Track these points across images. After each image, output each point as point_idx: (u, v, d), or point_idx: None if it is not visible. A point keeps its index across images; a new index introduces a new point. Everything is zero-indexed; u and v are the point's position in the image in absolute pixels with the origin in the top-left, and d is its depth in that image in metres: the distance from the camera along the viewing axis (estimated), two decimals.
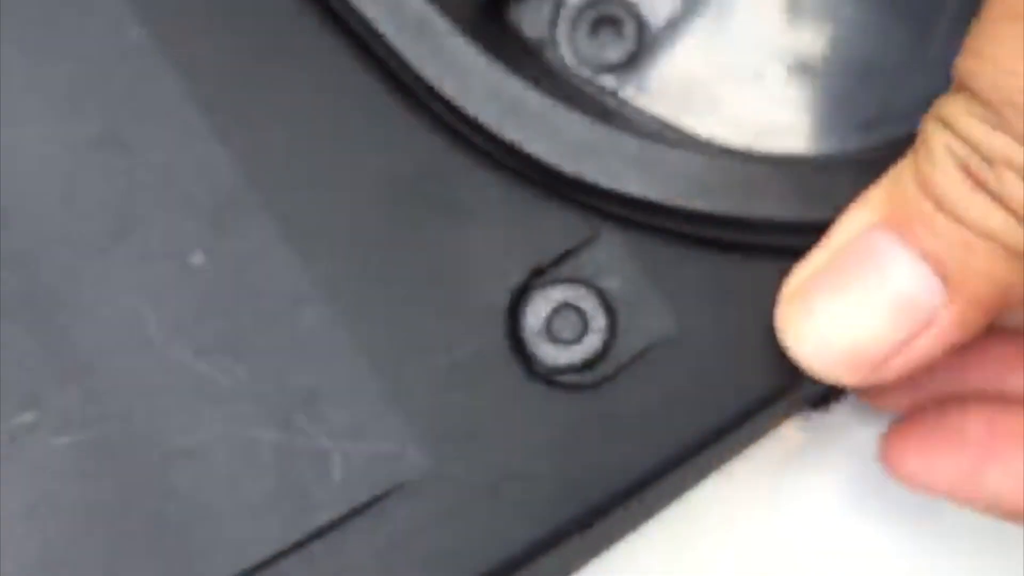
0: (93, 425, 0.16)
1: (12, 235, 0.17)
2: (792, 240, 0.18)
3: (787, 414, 0.22)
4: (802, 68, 0.22)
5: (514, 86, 0.18)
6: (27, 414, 0.16)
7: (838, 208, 0.18)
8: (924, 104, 0.17)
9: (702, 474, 0.21)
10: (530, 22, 0.22)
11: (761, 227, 0.19)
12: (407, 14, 0.18)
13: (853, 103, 0.22)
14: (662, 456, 0.18)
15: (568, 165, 0.19)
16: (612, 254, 0.19)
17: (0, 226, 0.17)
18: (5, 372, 0.17)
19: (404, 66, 0.18)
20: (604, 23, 0.22)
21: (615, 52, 0.22)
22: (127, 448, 0.17)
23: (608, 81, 0.22)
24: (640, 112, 0.22)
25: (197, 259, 0.17)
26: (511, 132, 0.19)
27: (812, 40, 0.22)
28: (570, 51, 0.22)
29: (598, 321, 0.18)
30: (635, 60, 0.22)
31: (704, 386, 0.18)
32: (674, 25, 0.22)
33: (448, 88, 0.18)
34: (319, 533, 0.17)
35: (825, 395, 0.22)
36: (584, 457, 0.18)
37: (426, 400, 0.18)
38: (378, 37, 0.18)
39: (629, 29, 0.22)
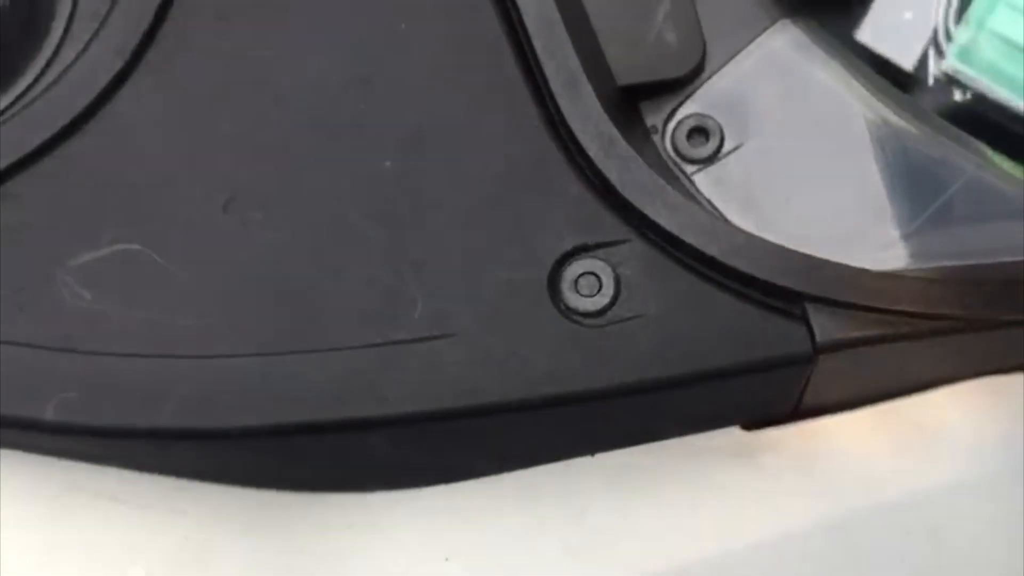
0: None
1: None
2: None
3: (721, 422, 0.31)
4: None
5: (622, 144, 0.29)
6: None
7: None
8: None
9: (656, 420, 0.30)
10: (651, 114, 0.33)
11: (739, 277, 0.28)
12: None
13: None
14: (628, 380, 0.28)
15: (631, 195, 0.29)
16: (633, 254, 0.29)
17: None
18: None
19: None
20: (698, 131, 0.33)
21: (700, 151, 0.32)
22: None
23: (689, 168, 0.32)
24: (697, 188, 0.32)
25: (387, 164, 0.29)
26: (607, 166, 0.29)
27: None
28: (670, 142, 0.33)
29: (608, 290, 0.28)
30: (712, 160, 0.33)
31: (663, 348, 0.28)
32: (743, 143, 0.32)
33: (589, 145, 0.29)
34: (398, 343, 0.27)
35: (764, 420, 0.31)
36: (583, 368, 0.28)
37: (485, 311, 0.28)
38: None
39: (714, 140, 0.33)
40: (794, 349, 0.28)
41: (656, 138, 0.33)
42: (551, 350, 0.28)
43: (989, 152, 0.36)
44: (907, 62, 0.50)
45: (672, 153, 0.32)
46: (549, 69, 0.30)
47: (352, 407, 0.27)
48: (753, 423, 0.32)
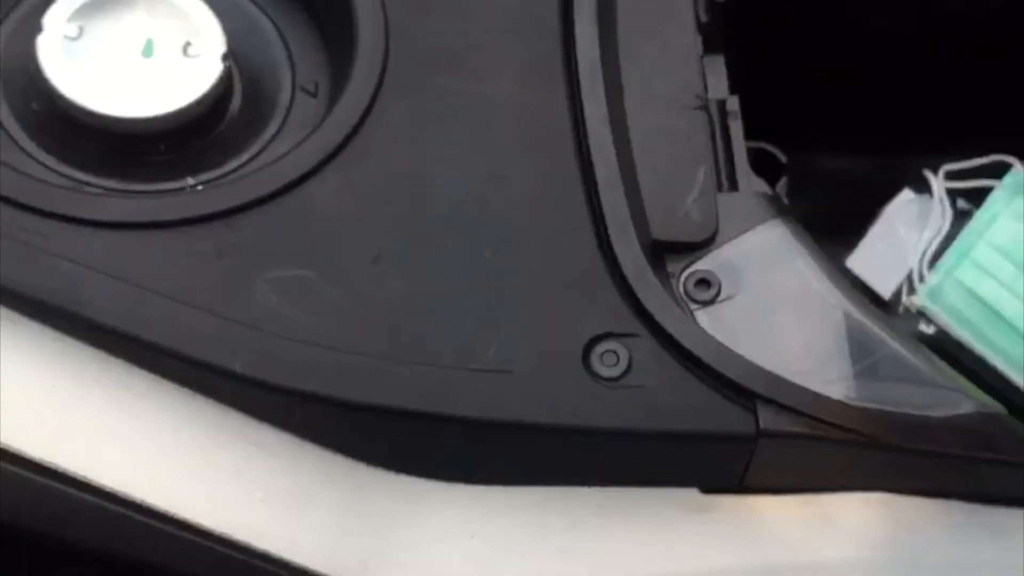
0: None
1: None
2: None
3: (686, 480, 0.43)
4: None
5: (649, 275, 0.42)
6: None
7: None
8: None
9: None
10: (672, 263, 0.46)
11: (713, 373, 0.41)
12: None
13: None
14: (625, 426, 0.40)
15: (649, 307, 0.42)
16: (643, 345, 0.41)
17: None
18: None
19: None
20: (703, 281, 0.46)
21: (702, 296, 0.46)
22: None
23: (693, 306, 0.46)
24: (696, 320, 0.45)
25: None
26: (636, 287, 0.42)
27: None
28: (682, 285, 0.46)
29: (622, 365, 0.41)
30: (711, 303, 0.46)
31: (652, 410, 0.40)
32: (735, 296, 0.46)
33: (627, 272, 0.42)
34: (474, 369, 0.40)
35: (717, 488, 0.43)
36: (596, 412, 0.40)
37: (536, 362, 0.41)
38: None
39: (714, 289, 0.46)
40: (742, 430, 0.40)
41: (673, 280, 0.46)
42: (577, 396, 0.40)
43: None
44: (885, 292, 0.64)
45: (682, 293, 0.46)
46: (608, 215, 0.43)
47: (436, 403, 0.39)
48: (709, 488, 0.43)
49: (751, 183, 0.49)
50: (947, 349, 0.59)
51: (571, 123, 0.46)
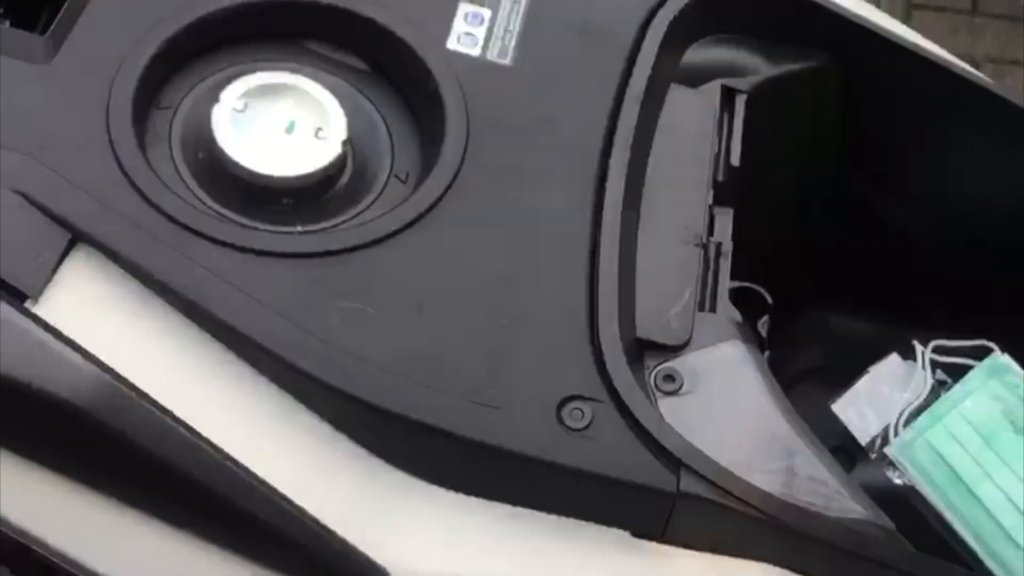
0: None
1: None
2: None
3: (620, 522, 0.55)
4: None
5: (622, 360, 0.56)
6: None
7: None
8: None
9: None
10: (648, 359, 0.59)
11: (652, 441, 0.54)
12: None
13: None
14: (582, 466, 0.52)
15: (615, 382, 0.55)
16: (605, 408, 0.54)
17: None
18: None
19: None
20: (669, 377, 0.59)
21: (667, 388, 0.59)
22: None
23: (658, 395, 0.58)
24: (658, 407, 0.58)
25: None
26: (611, 368, 0.56)
27: None
28: (652, 377, 0.59)
29: (586, 420, 0.54)
30: (673, 395, 0.59)
31: (601, 456, 0.53)
32: (693, 392, 0.58)
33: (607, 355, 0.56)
34: (473, 402, 0.54)
35: (645, 534, 0.55)
36: (561, 450, 0.53)
37: (522, 406, 0.54)
38: None
39: (677, 384, 0.59)
40: (666, 487, 0.53)
41: (647, 372, 0.59)
42: (547, 436, 0.53)
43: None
44: (863, 439, 0.75)
45: (652, 384, 0.59)
46: (600, 306, 0.57)
47: (441, 421, 0.53)
48: (638, 533, 0.55)
49: (727, 310, 0.62)
50: (911, 500, 0.70)
51: (590, 235, 0.60)
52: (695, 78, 0.70)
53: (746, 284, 0.68)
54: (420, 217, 0.59)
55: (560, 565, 0.55)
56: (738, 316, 0.63)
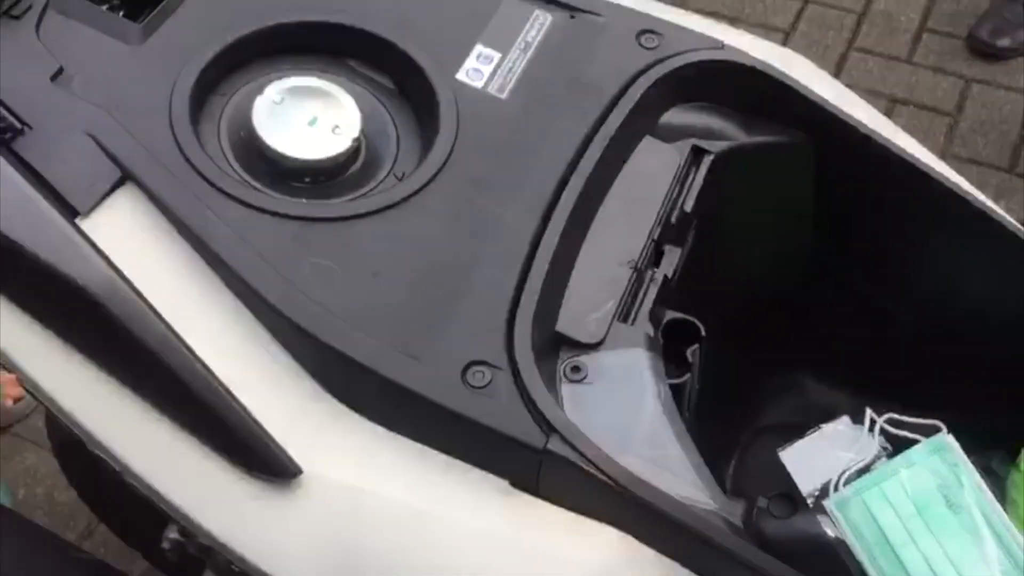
0: None
1: None
2: None
3: (499, 470, 0.66)
4: None
5: (527, 347, 0.68)
6: None
7: None
8: None
9: None
10: (564, 353, 0.71)
11: (534, 405, 0.65)
12: None
13: None
14: (483, 420, 0.64)
15: (517, 357, 0.67)
16: (504, 373, 0.66)
17: None
18: None
19: None
20: (576, 368, 0.70)
21: (574, 377, 0.70)
22: None
23: (565, 381, 0.70)
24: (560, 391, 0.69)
25: None
26: (518, 351, 0.68)
27: None
28: (562, 367, 0.70)
29: (487, 380, 0.66)
30: (578, 383, 0.70)
31: (500, 408, 0.64)
32: (594, 383, 0.69)
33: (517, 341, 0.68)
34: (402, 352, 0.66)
35: (525, 487, 0.66)
36: (465, 402, 0.65)
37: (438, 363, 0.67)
38: None
39: (582, 374, 0.70)
40: (536, 444, 0.64)
41: (559, 362, 0.70)
42: (449, 388, 0.65)
43: None
44: (804, 488, 0.83)
45: (562, 372, 0.70)
46: (524, 296, 0.69)
47: (376, 363, 0.65)
48: (515, 483, 0.66)
49: (643, 325, 0.73)
50: (839, 552, 0.78)
51: (533, 239, 0.72)
52: (673, 135, 0.82)
53: (683, 316, 0.78)
54: (393, 205, 0.72)
55: (448, 499, 0.66)
56: (651, 332, 0.73)
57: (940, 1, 2.43)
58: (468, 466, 0.67)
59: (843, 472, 0.81)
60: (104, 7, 0.80)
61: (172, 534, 1.07)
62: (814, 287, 0.94)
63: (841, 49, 2.36)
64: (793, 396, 1.00)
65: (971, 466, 0.79)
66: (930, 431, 0.81)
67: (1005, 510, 0.81)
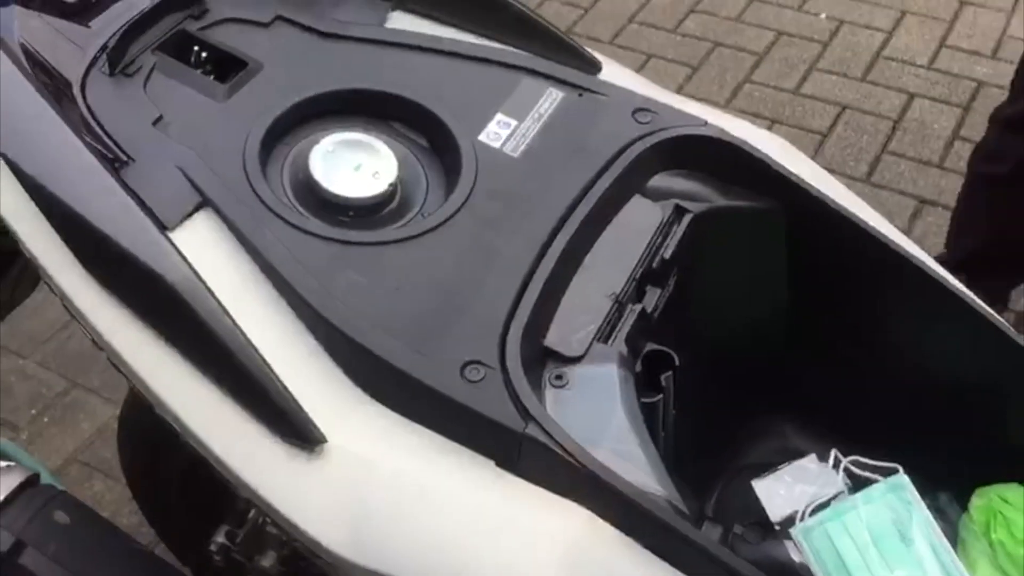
0: None
1: None
2: None
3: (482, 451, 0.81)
4: None
5: (516, 352, 0.83)
6: None
7: None
8: None
9: None
10: (550, 363, 0.86)
11: (519, 401, 0.80)
12: None
13: None
14: (477, 408, 0.79)
15: (507, 362, 0.82)
16: (494, 371, 0.81)
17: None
18: None
19: None
20: (559, 376, 0.85)
21: (557, 383, 0.85)
22: None
23: (549, 387, 0.85)
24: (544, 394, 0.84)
25: None
26: (507, 357, 0.83)
27: None
28: (548, 374, 0.85)
29: (481, 375, 0.81)
30: (561, 388, 0.84)
31: (490, 395, 0.79)
32: (574, 390, 0.84)
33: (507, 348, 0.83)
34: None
35: (508, 465, 0.80)
36: (465, 394, 0.80)
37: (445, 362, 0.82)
38: None
39: (565, 380, 0.85)
40: (514, 428, 0.78)
41: (546, 371, 0.85)
42: (448, 380, 0.80)
43: None
44: (773, 517, 0.95)
45: (547, 378, 0.85)
46: (519, 310, 0.84)
47: (396, 359, 0.81)
48: (499, 463, 0.80)
49: (619, 346, 0.87)
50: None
51: (530, 268, 0.87)
52: (658, 195, 0.97)
53: (660, 347, 0.92)
54: (416, 236, 0.89)
55: (445, 472, 0.81)
56: (625, 351, 0.87)
57: (973, 113, 2.57)
58: (461, 447, 0.81)
59: (809, 504, 0.92)
60: (198, 71, 0.99)
61: (219, 538, 1.23)
62: (789, 337, 1.07)
63: (875, 152, 2.50)
64: (772, 438, 1.12)
65: (923, 504, 0.89)
66: (888, 472, 0.92)
67: (955, 547, 0.91)
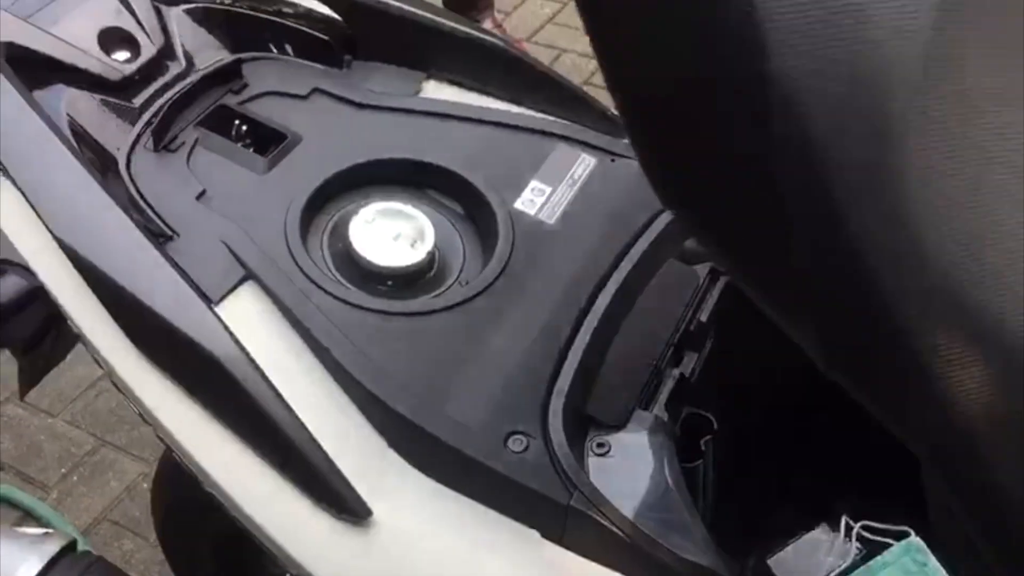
0: None
1: None
2: None
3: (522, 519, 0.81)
4: None
5: (559, 423, 0.83)
6: None
7: None
8: None
9: None
10: (592, 430, 0.87)
11: (564, 473, 0.80)
12: None
13: None
14: (517, 478, 0.80)
15: (551, 432, 0.83)
16: (535, 443, 0.82)
17: None
18: None
19: None
20: (601, 444, 0.86)
21: (599, 451, 0.85)
22: None
23: (591, 455, 0.85)
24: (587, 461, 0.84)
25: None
26: (551, 428, 0.83)
27: None
28: (590, 442, 0.86)
29: (523, 447, 0.81)
30: (603, 456, 0.85)
31: (532, 464, 0.80)
32: (615, 457, 0.85)
33: (550, 419, 0.84)
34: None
35: (553, 538, 0.81)
36: (500, 461, 0.81)
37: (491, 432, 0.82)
38: None
39: (607, 448, 0.85)
40: (560, 500, 0.79)
41: (588, 440, 0.86)
42: (491, 451, 0.81)
43: None
44: None
45: (590, 445, 0.85)
46: (559, 380, 0.85)
47: (426, 422, 0.82)
48: (544, 535, 0.80)
49: (660, 411, 0.88)
50: None
51: (569, 336, 0.88)
52: (693, 259, 0.99)
53: (699, 411, 0.92)
54: (456, 305, 0.90)
55: (490, 545, 0.81)
56: (665, 417, 0.88)
57: None
58: (506, 518, 0.82)
59: (827, 575, 0.92)
60: (239, 144, 1.01)
61: None
62: (820, 410, 1.08)
63: None
64: (807, 498, 1.12)
65: (938, 564, 0.90)
66: (900, 535, 0.93)
67: None
